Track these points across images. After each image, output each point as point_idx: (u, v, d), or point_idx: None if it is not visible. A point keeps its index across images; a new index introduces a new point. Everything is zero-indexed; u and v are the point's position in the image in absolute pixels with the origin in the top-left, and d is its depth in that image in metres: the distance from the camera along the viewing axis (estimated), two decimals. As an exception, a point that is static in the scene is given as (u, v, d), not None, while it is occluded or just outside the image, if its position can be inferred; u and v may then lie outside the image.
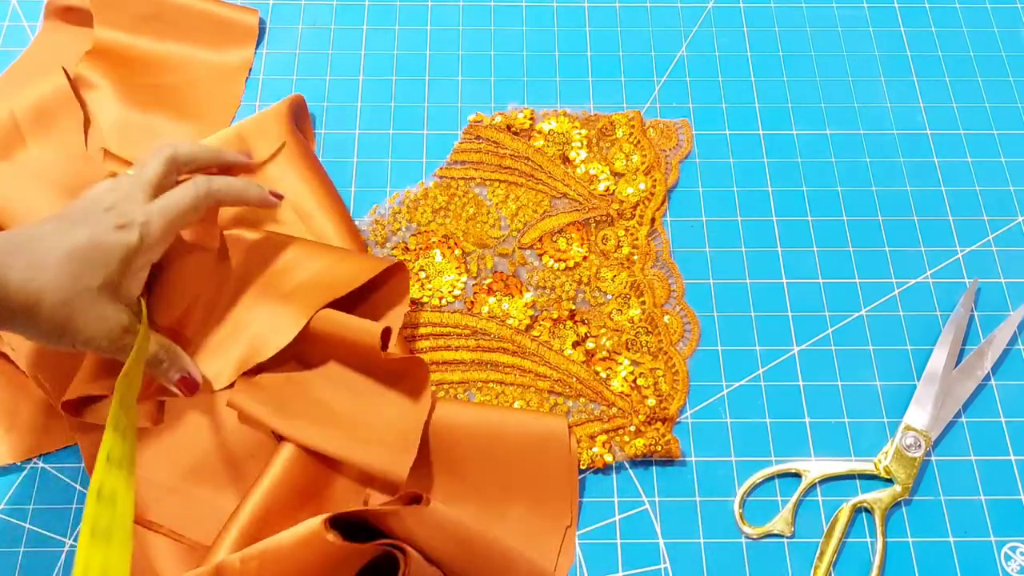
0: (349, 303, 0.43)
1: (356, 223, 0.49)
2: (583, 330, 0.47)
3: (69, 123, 0.49)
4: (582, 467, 0.43)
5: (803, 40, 0.58)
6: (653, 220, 0.50)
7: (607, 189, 0.51)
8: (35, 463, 0.43)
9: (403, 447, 0.40)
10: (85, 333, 0.36)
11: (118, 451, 0.33)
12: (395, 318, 0.44)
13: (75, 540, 0.41)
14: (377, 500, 0.41)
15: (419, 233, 0.49)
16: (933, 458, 0.44)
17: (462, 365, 0.46)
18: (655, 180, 0.51)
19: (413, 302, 0.47)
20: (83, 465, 0.43)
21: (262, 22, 0.56)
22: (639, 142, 0.52)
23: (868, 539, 0.42)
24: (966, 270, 0.50)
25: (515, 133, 0.52)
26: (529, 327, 0.47)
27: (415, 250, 0.49)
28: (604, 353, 0.46)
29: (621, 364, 0.46)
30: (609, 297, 0.48)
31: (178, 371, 0.40)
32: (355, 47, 0.57)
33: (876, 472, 0.43)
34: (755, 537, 0.42)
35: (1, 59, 0.54)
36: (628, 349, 0.46)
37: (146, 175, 0.41)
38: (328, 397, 0.42)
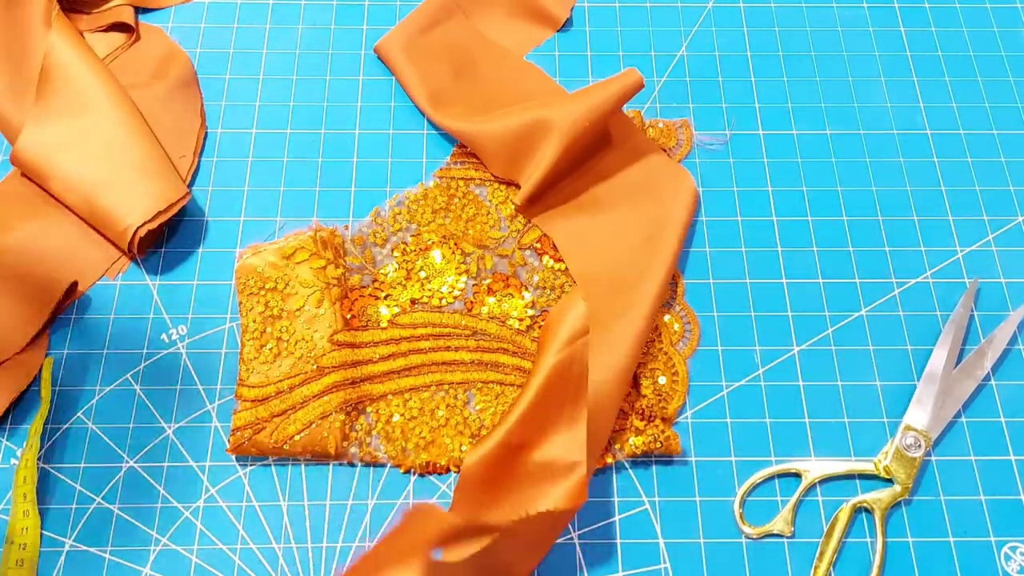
0: None
1: (356, 223, 0.50)
2: (583, 330, 0.47)
3: None
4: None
5: (803, 40, 0.58)
6: (653, 220, 0.50)
7: (607, 189, 0.51)
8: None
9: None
10: None
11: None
12: None
13: (76, 540, 0.42)
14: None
15: (419, 234, 0.49)
16: (933, 458, 0.44)
17: (462, 365, 0.46)
18: (655, 180, 0.51)
19: (413, 302, 0.47)
20: (83, 466, 0.43)
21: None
22: (639, 142, 0.52)
23: (868, 539, 0.42)
24: (966, 270, 0.50)
25: (515, 133, 0.52)
26: (529, 327, 0.47)
27: (415, 250, 0.49)
28: (604, 353, 0.46)
29: (621, 364, 0.46)
30: (609, 297, 0.48)
31: None
32: (355, 47, 0.57)
33: (876, 472, 0.43)
34: (755, 537, 0.42)
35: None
36: (628, 349, 0.46)
37: None
38: None
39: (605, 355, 0.43)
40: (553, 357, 0.43)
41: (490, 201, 0.50)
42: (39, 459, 0.43)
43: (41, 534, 0.41)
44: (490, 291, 0.48)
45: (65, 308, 0.47)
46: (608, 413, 0.42)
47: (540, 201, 0.50)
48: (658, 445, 0.43)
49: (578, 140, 0.48)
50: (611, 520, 0.43)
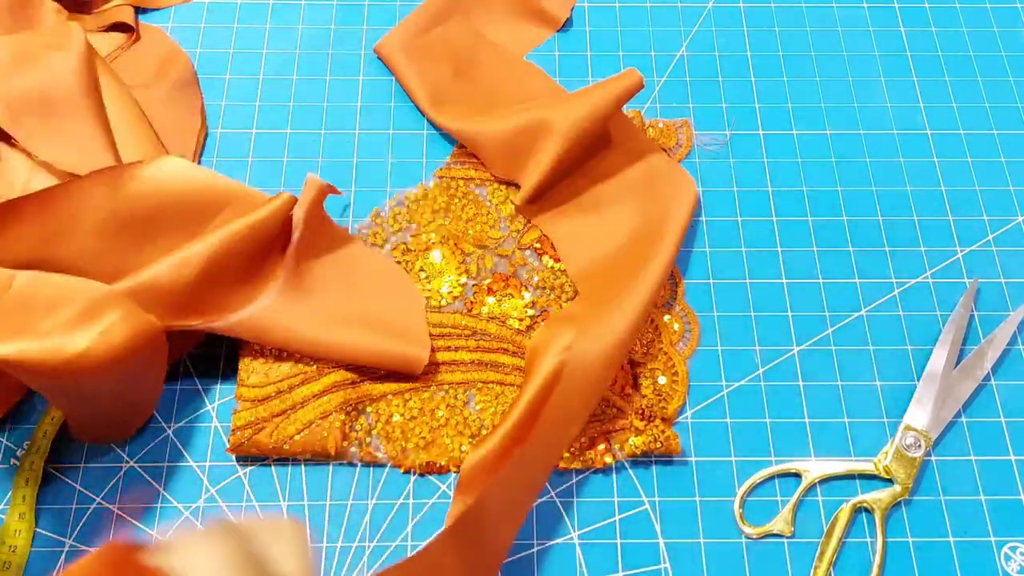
0: None
1: (356, 223, 0.50)
2: (583, 330, 0.47)
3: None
4: (582, 468, 0.43)
5: (803, 40, 0.58)
6: (653, 220, 0.50)
7: (607, 189, 0.51)
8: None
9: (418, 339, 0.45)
10: None
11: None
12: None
13: (75, 540, 0.41)
14: None
15: (419, 234, 0.49)
16: (933, 458, 0.44)
17: (462, 365, 0.46)
18: (655, 180, 0.51)
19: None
20: (83, 465, 0.43)
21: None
22: (639, 142, 0.52)
23: (868, 539, 0.42)
24: (966, 270, 0.50)
25: (515, 133, 0.52)
26: (529, 327, 0.47)
27: (415, 251, 0.49)
28: (604, 353, 0.46)
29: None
30: (609, 297, 0.48)
31: None
32: (355, 47, 0.57)
33: (876, 472, 0.43)
34: (755, 537, 0.42)
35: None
36: (628, 349, 0.46)
37: None
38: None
39: (596, 337, 0.43)
40: (551, 359, 0.43)
41: (490, 201, 0.50)
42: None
43: (33, 538, 0.41)
44: (490, 291, 0.48)
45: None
46: (592, 393, 0.42)
47: (540, 201, 0.50)
48: (658, 445, 0.43)
49: (578, 140, 0.48)
50: (611, 520, 0.43)
